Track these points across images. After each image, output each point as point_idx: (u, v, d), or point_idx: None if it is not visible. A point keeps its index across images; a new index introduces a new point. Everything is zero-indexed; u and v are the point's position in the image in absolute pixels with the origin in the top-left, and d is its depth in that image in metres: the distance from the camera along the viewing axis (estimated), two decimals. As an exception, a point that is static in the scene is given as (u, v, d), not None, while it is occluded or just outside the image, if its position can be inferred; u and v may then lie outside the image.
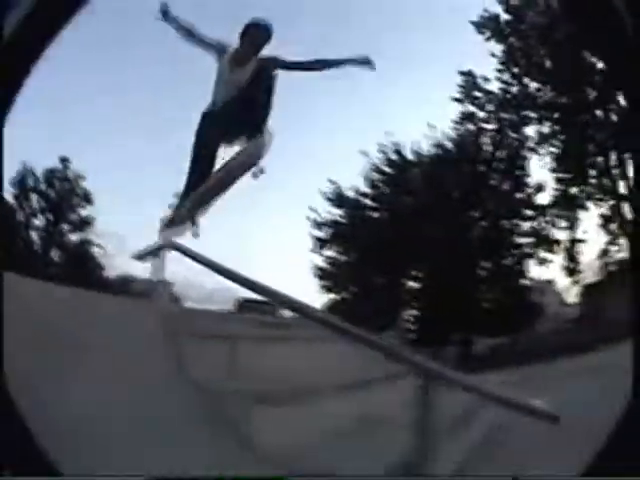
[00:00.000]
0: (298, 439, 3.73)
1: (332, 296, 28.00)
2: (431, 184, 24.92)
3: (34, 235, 25.29)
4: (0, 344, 1.81)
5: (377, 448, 3.70)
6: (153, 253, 5.98)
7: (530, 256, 25.63)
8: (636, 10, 1.53)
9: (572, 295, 28.96)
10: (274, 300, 4.11)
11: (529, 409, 2.97)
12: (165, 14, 5.36)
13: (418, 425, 2.97)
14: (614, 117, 23.71)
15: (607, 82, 22.99)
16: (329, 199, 26.40)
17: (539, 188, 25.70)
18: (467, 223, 25.42)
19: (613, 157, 23.93)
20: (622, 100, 23.11)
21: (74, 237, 28.22)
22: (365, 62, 5.41)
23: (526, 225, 25.87)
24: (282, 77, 5.71)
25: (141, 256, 6.25)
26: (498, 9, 24.54)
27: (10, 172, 31.90)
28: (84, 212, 28.70)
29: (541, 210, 25.72)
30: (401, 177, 26.07)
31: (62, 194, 25.91)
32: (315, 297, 35.94)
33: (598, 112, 23.98)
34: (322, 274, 27.27)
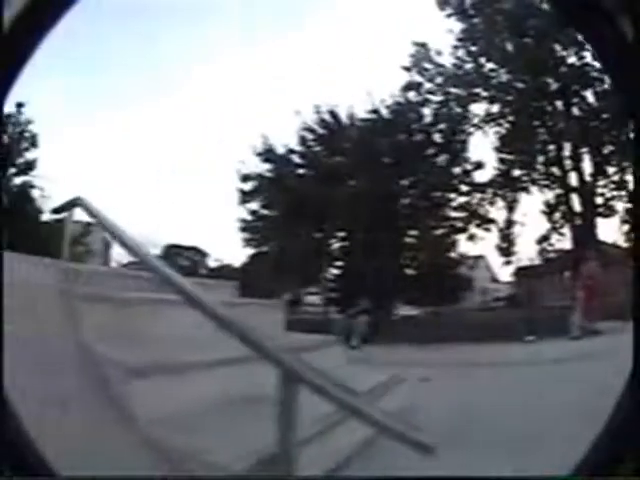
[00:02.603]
0: (172, 412, 3.78)
1: (255, 250, 28.24)
2: (363, 148, 25.06)
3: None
4: (0, 343, 1.81)
5: (249, 429, 3.77)
6: (65, 208, 5.87)
7: (461, 231, 26.27)
8: (635, 12, 1.53)
9: (504, 275, 29.95)
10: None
11: (402, 437, 2.66)
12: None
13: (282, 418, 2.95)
14: (575, 110, 24.29)
15: (574, 77, 23.74)
16: (259, 154, 26.42)
17: (478, 165, 26.24)
18: (396, 190, 25.69)
19: (568, 148, 24.71)
20: (590, 97, 23.83)
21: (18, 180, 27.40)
22: None
23: (460, 200, 26.44)
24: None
25: (57, 210, 6.15)
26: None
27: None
28: (30, 155, 27.86)
29: (477, 187, 26.28)
30: (332, 138, 26.19)
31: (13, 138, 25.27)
32: (240, 250, 36.24)
33: (559, 102, 24.92)
34: (246, 227, 27.37)
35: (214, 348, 4.27)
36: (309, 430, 3.73)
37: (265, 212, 27.40)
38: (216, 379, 4.33)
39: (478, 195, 26.57)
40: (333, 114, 26.45)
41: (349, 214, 24.53)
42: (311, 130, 26.56)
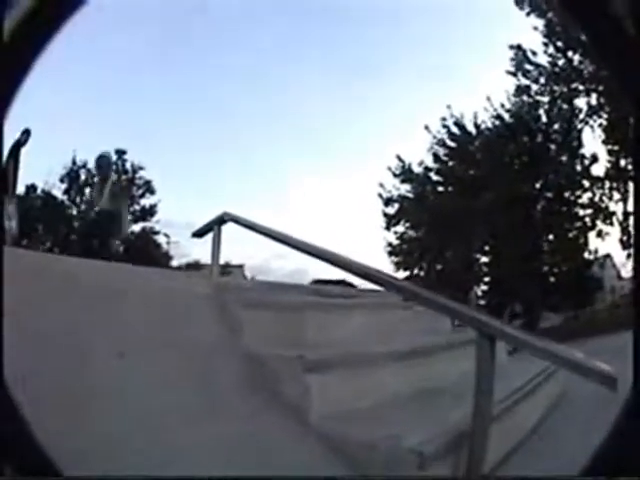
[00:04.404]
0: (354, 407, 3.50)
1: (405, 272, 27.91)
2: (492, 155, 24.67)
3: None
4: (0, 344, 1.71)
5: (435, 419, 3.43)
6: (210, 227, 5.89)
7: (591, 229, 25.08)
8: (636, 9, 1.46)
9: (627, 269, 28.24)
10: (343, 268, 3.90)
11: (593, 371, 2.64)
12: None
13: (478, 390, 2.68)
14: None
15: None
16: (396, 175, 26.36)
17: (594, 159, 25.16)
18: (531, 194, 25.06)
19: None
20: None
21: (137, 226, 28.76)
22: None
23: (585, 197, 25.38)
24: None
25: (200, 232, 6.18)
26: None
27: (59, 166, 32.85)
28: (147, 202, 29.23)
29: (597, 181, 25.13)
30: (463, 150, 25.82)
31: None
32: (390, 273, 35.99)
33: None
34: (393, 250, 27.22)
35: (381, 344, 4.20)
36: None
37: (412, 233, 27.14)
38: (392, 372, 4.02)
39: (598, 191, 25.20)
40: (460, 125, 26.01)
41: (490, 225, 23.92)
42: (443, 144, 26.20)
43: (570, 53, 25.09)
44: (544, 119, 26.16)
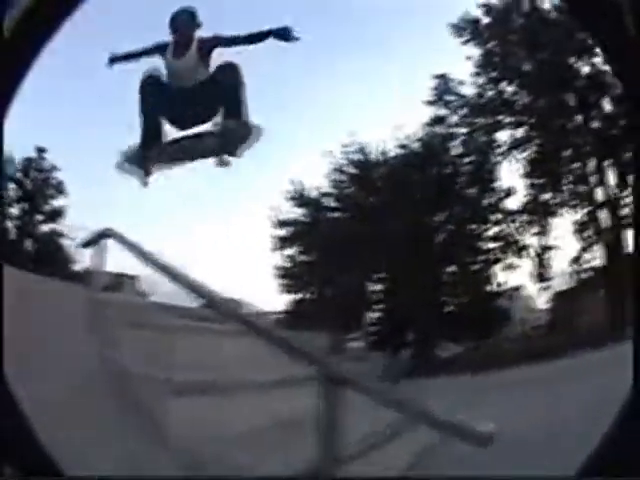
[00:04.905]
0: (213, 433, 3.60)
1: (294, 296, 27.92)
2: (395, 185, 24.78)
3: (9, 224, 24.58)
4: (0, 343, 1.72)
5: (290, 449, 3.57)
6: (94, 241, 5.84)
7: (497, 261, 25.64)
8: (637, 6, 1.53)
9: (541, 302, 28.94)
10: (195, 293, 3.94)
11: (456, 430, 2.62)
12: (113, 62, 5.66)
13: (323, 431, 2.78)
14: (595, 123, 23.86)
15: (589, 87, 23.42)
16: (291, 198, 26.31)
17: (508, 193, 25.73)
18: (432, 226, 25.34)
19: (592, 164, 24.05)
20: (606, 106, 23.66)
21: (46, 228, 27.61)
22: (286, 34, 5.37)
23: (494, 230, 25.87)
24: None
25: (85, 244, 6.11)
26: (478, 12, 24.64)
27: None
28: (57, 203, 28.15)
29: (509, 215, 25.78)
30: (365, 177, 25.95)
31: (37, 184, 25.31)
32: (276, 297, 35.72)
33: (578, 117, 24.04)
34: (283, 273, 27.13)
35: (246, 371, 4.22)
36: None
37: (303, 258, 27.15)
38: (253, 401, 4.14)
39: (512, 224, 26.06)
40: (363, 152, 26.29)
41: (386, 254, 24.20)
42: (341, 171, 26.37)
43: (504, 84, 25.51)
44: (457, 151, 26.36)
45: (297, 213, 26.48)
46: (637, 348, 1.58)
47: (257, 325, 3.42)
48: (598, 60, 22.71)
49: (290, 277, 27.10)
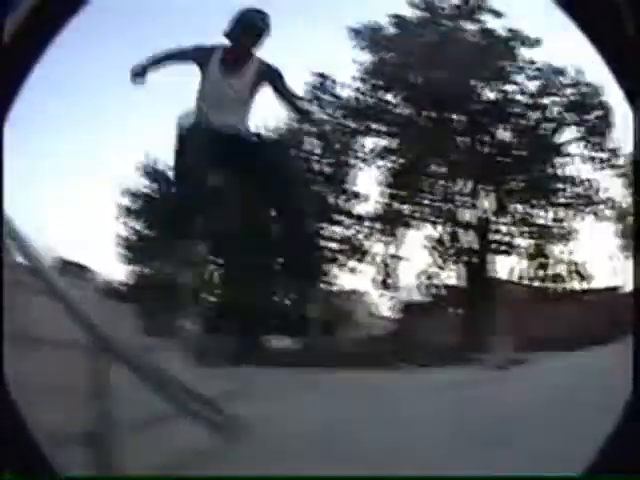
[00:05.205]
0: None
1: (132, 268, 27.32)
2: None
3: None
4: (0, 343, 1.77)
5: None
6: None
7: (334, 261, 25.99)
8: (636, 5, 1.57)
9: (384, 309, 28.88)
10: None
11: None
12: (139, 75, 4.23)
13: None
14: (480, 147, 24.78)
15: (485, 112, 24.13)
16: (144, 172, 25.71)
17: (356, 196, 25.57)
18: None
19: (467, 185, 24.85)
20: (500, 133, 23.98)
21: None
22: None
23: (333, 229, 26.11)
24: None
25: None
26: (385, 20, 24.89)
27: None
28: None
29: (358, 220, 26.14)
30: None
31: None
32: (118, 267, 34.75)
33: (464, 138, 24.86)
34: (126, 245, 26.48)
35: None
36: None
37: (147, 232, 26.57)
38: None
39: (358, 227, 26.34)
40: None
41: (226, 242, 24.06)
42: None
43: (389, 95, 25.49)
44: (316, 150, 26.16)
45: (148, 187, 25.92)
46: (637, 349, 1.59)
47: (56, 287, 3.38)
48: (511, 88, 24.23)
49: (131, 249, 26.53)
